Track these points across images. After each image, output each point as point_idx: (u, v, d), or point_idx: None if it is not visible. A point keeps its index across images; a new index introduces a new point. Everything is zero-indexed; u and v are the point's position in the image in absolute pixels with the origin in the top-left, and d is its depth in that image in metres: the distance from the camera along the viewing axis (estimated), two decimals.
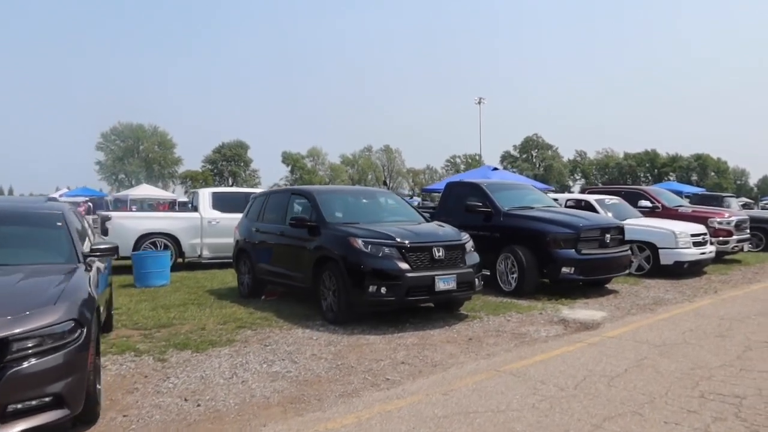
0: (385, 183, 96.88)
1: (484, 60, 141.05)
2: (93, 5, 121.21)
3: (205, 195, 13.21)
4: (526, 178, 21.05)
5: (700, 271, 12.01)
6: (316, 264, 7.38)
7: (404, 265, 6.75)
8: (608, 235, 9.14)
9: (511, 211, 9.65)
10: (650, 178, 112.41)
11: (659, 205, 14.18)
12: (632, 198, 14.50)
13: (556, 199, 12.56)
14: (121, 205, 40.44)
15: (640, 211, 13.93)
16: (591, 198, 12.63)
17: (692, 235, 11.36)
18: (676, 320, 7.43)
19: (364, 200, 9.08)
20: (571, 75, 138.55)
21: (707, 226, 13.27)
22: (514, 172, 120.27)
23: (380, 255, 6.79)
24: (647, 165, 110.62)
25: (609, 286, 9.89)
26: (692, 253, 11.19)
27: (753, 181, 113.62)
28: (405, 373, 5.14)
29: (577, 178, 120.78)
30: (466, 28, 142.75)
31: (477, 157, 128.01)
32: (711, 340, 6.32)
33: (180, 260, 12.65)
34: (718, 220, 13.40)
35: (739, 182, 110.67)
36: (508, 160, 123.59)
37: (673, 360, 5.48)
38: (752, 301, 8.66)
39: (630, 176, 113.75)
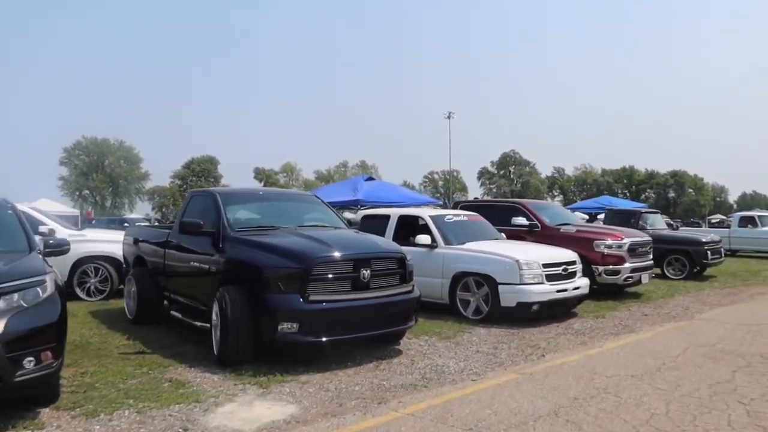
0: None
1: (460, 75, 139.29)
2: (58, 15, 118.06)
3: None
4: (411, 192, 17.89)
5: (567, 312, 8.82)
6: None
7: None
8: (367, 271, 5.89)
9: (240, 234, 6.41)
10: (628, 194, 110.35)
11: (537, 222, 11.01)
12: (506, 213, 11.36)
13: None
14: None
15: (515, 231, 10.78)
16: (425, 214, 9.41)
17: (547, 266, 8.16)
18: (402, 425, 4.18)
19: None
20: (549, 90, 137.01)
21: (592, 251, 10.12)
22: (491, 188, 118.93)
23: None
24: (625, 181, 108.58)
25: (407, 338, 6.67)
26: (543, 291, 7.99)
27: (732, 198, 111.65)
28: None
29: (555, 194, 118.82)
30: (441, 43, 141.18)
31: (455, 173, 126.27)
32: None
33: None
34: (607, 243, 10.23)
35: (718, 199, 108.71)
36: (485, 176, 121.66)
37: None
38: (574, 380, 5.43)
39: (607, 192, 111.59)
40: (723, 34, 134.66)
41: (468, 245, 8.67)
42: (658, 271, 14.10)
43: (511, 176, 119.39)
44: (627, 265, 10.20)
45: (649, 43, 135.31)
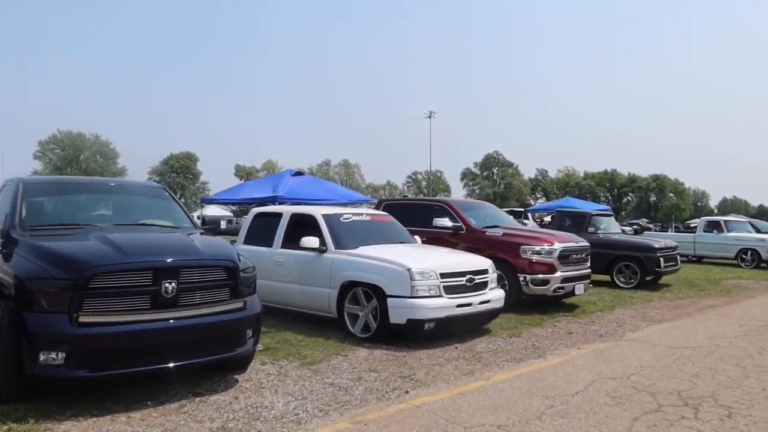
0: None
1: (446, 76, 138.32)
2: (39, 6, 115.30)
3: None
4: (346, 190, 16.58)
5: (478, 328, 7.55)
6: None
7: None
8: (172, 284, 4.53)
9: (26, 233, 5.02)
10: (610, 197, 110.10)
11: (462, 224, 9.73)
12: (433, 214, 10.08)
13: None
14: None
15: (439, 234, 9.53)
16: (317, 213, 8.07)
17: (446, 275, 6.86)
18: None
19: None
20: (534, 92, 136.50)
21: (518, 258, 8.86)
22: (473, 189, 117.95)
23: None
24: (607, 185, 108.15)
25: (260, 363, 5.35)
26: (440, 306, 6.69)
27: (714, 203, 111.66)
28: None
29: (539, 196, 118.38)
30: (427, 43, 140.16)
31: (438, 174, 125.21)
32: None
33: None
34: (534, 248, 8.96)
35: (699, 204, 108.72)
36: (468, 177, 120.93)
37: None
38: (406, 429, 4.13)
39: (590, 195, 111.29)
40: (711, 37, 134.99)
41: (362, 250, 7.35)
42: (607, 279, 12.96)
43: (494, 177, 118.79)
44: (558, 274, 8.94)
45: (637, 47, 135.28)
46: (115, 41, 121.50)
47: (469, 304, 6.97)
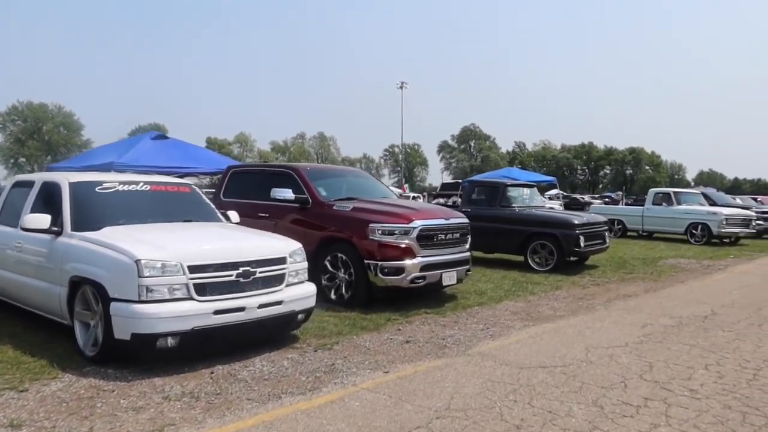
0: None
1: (423, 47, 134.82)
2: None
3: None
4: (221, 157, 14.36)
5: (286, 337, 5.53)
6: None
7: None
8: None
9: None
10: (587, 171, 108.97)
11: (308, 196, 7.62)
12: (276, 183, 7.96)
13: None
14: None
15: (284, 208, 7.49)
16: (64, 180, 5.86)
17: (200, 268, 4.75)
18: None
19: None
20: (512, 65, 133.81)
21: (365, 239, 6.83)
22: (450, 162, 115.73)
23: None
24: (584, 157, 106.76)
25: None
26: (184, 314, 4.59)
27: (690, 175, 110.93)
28: None
29: (517, 168, 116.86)
30: (404, 16, 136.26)
31: (416, 147, 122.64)
32: None
33: None
34: (386, 227, 6.88)
35: (676, 177, 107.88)
36: (446, 150, 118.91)
37: None
38: None
39: (567, 168, 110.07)
40: (686, 14, 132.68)
41: (105, 232, 5.20)
42: (521, 259, 11.02)
43: (471, 151, 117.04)
44: (415, 260, 6.88)
45: (616, 22, 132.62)
46: (80, 8, 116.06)
47: (240, 309, 4.88)
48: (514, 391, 4.29)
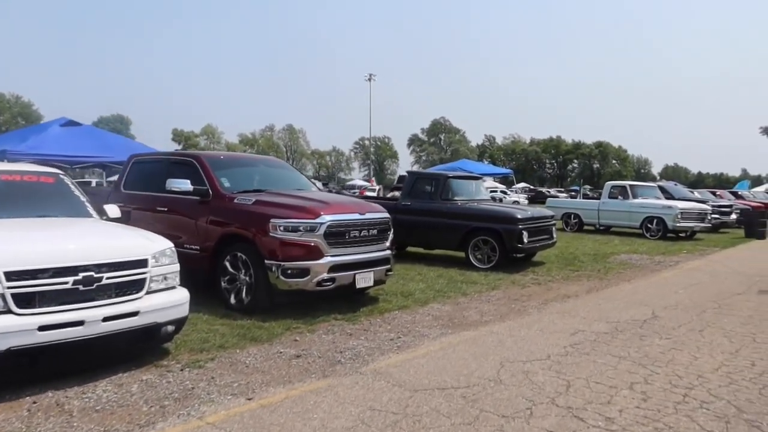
0: None
1: (392, 41, 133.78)
2: None
3: None
4: (138, 145, 13.36)
5: (153, 351, 4.66)
6: None
7: None
8: None
9: None
10: (555, 165, 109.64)
11: (209, 188, 6.74)
12: (177, 173, 7.07)
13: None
14: None
15: (185, 202, 6.60)
16: None
17: (22, 275, 3.86)
18: None
19: None
20: (483, 58, 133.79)
21: (265, 236, 6.00)
22: (420, 155, 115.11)
23: None
24: (552, 151, 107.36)
25: None
26: (1, 330, 3.71)
27: (656, 170, 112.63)
28: None
29: (485, 162, 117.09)
30: (373, 8, 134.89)
31: (386, 140, 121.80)
32: None
33: None
34: (289, 223, 6.05)
35: (642, 171, 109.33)
36: (416, 143, 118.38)
37: None
38: None
39: (536, 162, 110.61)
40: (653, 14, 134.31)
41: None
42: (463, 256, 10.32)
43: (441, 144, 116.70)
44: (323, 260, 6.07)
45: (586, 17, 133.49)
46: None
47: (78, 323, 4.01)
48: (394, 424, 3.52)
